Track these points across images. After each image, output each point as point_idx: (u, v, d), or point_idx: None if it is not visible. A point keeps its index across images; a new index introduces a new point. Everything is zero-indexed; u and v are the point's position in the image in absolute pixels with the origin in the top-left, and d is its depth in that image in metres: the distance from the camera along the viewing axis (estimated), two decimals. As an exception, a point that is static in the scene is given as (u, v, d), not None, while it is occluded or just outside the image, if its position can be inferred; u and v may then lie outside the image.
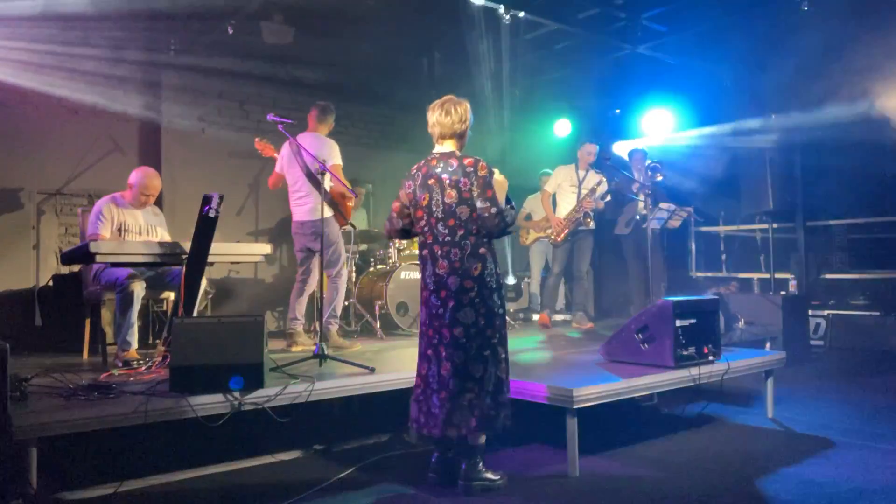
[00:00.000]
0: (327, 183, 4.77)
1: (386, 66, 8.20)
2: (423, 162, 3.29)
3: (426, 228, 3.23)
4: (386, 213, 3.47)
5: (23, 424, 2.76)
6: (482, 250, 3.14)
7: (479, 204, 3.10)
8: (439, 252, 3.17)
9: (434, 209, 3.19)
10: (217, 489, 3.29)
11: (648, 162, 6.61)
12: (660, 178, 6.34)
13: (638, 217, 6.66)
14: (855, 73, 6.01)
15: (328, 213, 4.98)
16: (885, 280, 7.04)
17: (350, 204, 5.21)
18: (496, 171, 3.24)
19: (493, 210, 3.09)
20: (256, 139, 5.19)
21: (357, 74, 8.02)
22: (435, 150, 3.29)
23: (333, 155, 4.96)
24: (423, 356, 3.23)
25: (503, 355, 3.16)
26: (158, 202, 6.39)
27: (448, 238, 3.15)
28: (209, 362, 3.22)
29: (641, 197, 6.28)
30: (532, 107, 8.89)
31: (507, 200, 3.22)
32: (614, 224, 7.23)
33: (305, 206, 4.99)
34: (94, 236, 4.48)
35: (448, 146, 3.26)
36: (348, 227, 5.39)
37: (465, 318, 3.10)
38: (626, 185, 6.59)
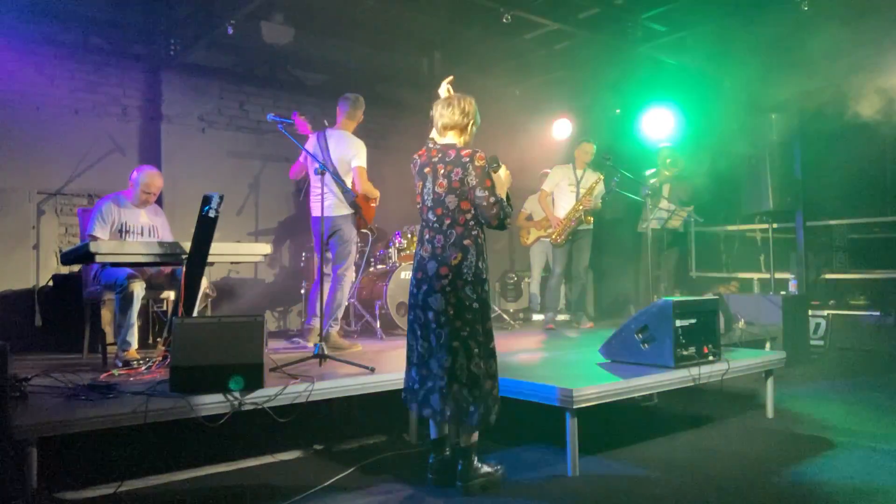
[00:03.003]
0: (349, 182, 4.77)
1: (386, 66, 8.20)
2: (423, 150, 3.34)
3: (420, 214, 3.29)
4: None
5: (23, 424, 2.76)
6: (466, 242, 3.14)
7: (478, 193, 3.12)
8: (427, 237, 3.22)
9: (426, 197, 3.24)
10: (217, 489, 3.28)
11: (668, 159, 6.63)
12: (677, 170, 6.37)
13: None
14: (856, 72, 6.01)
15: (346, 210, 4.97)
16: (885, 280, 7.03)
17: (373, 205, 5.17)
18: (503, 167, 3.28)
19: (492, 199, 3.12)
20: (296, 112, 5.14)
21: (357, 74, 8.02)
22: (438, 142, 3.31)
23: (359, 156, 4.96)
24: (407, 331, 3.31)
25: (476, 350, 3.10)
26: (159, 201, 6.42)
27: (436, 225, 3.19)
28: (209, 362, 3.22)
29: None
30: (532, 107, 8.88)
31: (507, 198, 3.25)
32: (615, 224, 7.23)
33: (325, 202, 4.96)
34: (90, 235, 4.48)
35: (450, 137, 3.28)
36: (367, 232, 5.36)
37: (435, 304, 3.13)
38: (627, 184, 6.59)
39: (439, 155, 3.22)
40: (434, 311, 3.13)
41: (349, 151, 4.92)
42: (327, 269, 5.06)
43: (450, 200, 3.15)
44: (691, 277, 7.99)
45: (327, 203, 4.92)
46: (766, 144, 6.75)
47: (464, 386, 3.08)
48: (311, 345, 4.90)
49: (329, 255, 4.99)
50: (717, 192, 7.40)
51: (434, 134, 3.36)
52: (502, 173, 3.28)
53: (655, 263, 6.76)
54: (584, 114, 8.72)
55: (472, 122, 3.28)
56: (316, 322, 5.00)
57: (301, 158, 5.18)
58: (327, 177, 4.86)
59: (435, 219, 3.19)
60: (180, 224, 6.03)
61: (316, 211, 5.05)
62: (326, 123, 5.17)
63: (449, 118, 3.25)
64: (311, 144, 5.03)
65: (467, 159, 3.14)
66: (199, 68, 7.11)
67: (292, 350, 4.99)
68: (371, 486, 3.26)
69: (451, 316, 3.10)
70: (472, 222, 3.16)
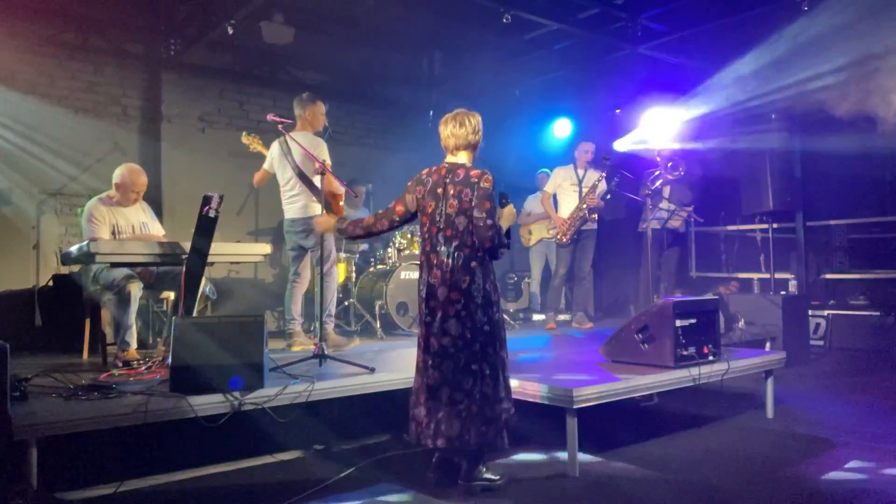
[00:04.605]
0: (318, 181, 4.78)
1: (386, 66, 8.20)
2: (434, 168, 3.30)
3: (427, 236, 3.25)
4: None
5: (23, 424, 2.76)
6: (473, 264, 3.13)
7: (475, 213, 3.10)
8: (434, 261, 3.19)
9: (437, 218, 3.20)
10: (217, 489, 3.29)
11: (669, 163, 6.66)
12: (678, 174, 6.40)
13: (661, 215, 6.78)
14: (856, 72, 6.01)
15: (317, 210, 4.98)
16: (885, 280, 7.03)
17: (342, 203, 5.20)
18: (510, 205, 3.28)
19: (489, 222, 3.10)
20: (244, 134, 5.19)
21: (357, 74, 8.02)
22: (447, 160, 3.30)
23: (324, 153, 4.96)
24: (416, 365, 3.26)
25: (488, 371, 3.11)
26: (158, 201, 6.43)
27: (443, 248, 3.16)
28: (209, 362, 3.22)
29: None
30: (532, 107, 8.88)
31: (508, 234, 3.24)
32: (615, 224, 7.20)
33: (297, 203, 4.99)
34: (92, 238, 4.46)
35: (461, 157, 3.28)
36: None
37: (451, 330, 3.11)
38: (627, 184, 6.60)
39: (449, 175, 3.21)
40: (451, 336, 3.11)
41: (313, 151, 4.92)
42: (298, 270, 5.10)
43: (459, 221, 3.14)
44: (691, 277, 7.98)
45: (300, 204, 4.94)
46: (765, 144, 6.74)
47: (479, 408, 3.08)
48: (297, 348, 4.91)
49: (307, 256, 5.01)
50: (717, 192, 7.40)
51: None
52: (510, 208, 3.29)
53: (655, 263, 6.76)
54: (584, 114, 8.72)
55: (480, 138, 3.29)
56: (295, 325, 5.04)
57: (265, 166, 5.18)
58: (297, 179, 4.87)
59: (444, 241, 3.16)
60: (180, 224, 6.03)
61: (288, 213, 5.07)
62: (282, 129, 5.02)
63: (464, 138, 3.24)
64: (276, 150, 5.05)
65: (476, 180, 3.13)
66: (199, 68, 7.12)
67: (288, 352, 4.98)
68: (371, 486, 3.26)
69: (469, 339, 3.10)
70: (478, 244, 3.14)
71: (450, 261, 3.13)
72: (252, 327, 3.31)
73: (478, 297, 3.12)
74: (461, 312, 3.10)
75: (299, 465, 3.64)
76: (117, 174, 4.66)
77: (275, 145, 5.07)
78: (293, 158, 4.90)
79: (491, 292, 3.17)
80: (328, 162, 4.94)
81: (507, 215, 3.26)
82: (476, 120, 3.27)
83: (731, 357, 4.29)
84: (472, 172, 3.16)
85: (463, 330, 3.10)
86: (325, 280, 5.01)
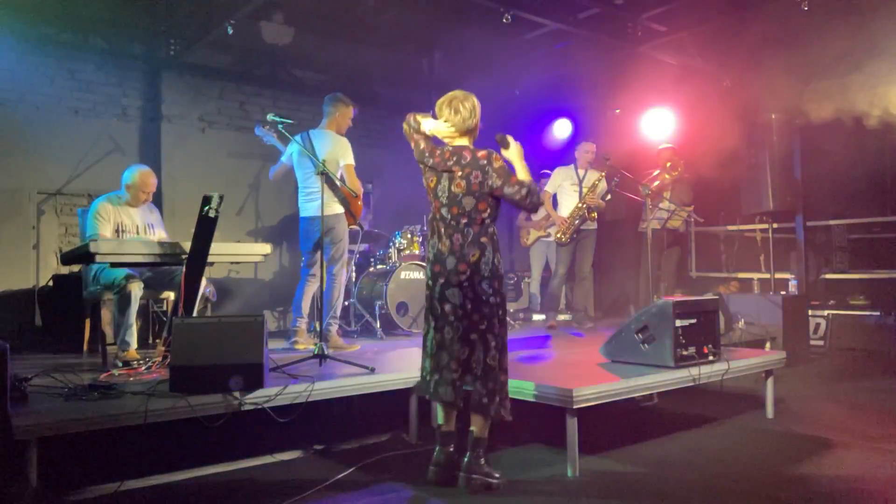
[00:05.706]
0: (338, 180, 4.79)
1: (386, 66, 8.20)
2: (437, 150, 3.30)
3: (434, 206, 3.29)
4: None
5: (23, 424, 2.77)
6: (483, 239, 3.17)
7: (507, 191, 3.13)
8: (443, 231, 3.23)
9: (440, 194, 3.24)
10: (217, 489, 3.28)
11: (669, 163, 6.67)
12: (675, 174, 6.40)
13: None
14: (856, 71, 6.01)
15: (339, 209, 4.98)
16: (885, 280, 7.03)
17: (360, 203, 5.20)
18: (509, 137, 3.29)
19: (524, 192, 3.14)
20: (257, 126, 5.19)
21: (357, 74, 8.02)
22: (447, 145, 3.31)
23: (346, 154, 4.97)
24: (424, 321, 3.33)
25: (493, 343, 3.14)
26: (158, 201, 6.43)
27: (452, 223, 3.20)
28: (209, 362, 3.23)
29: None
30: (532, 107, 8.88)
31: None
32: (615, 224, 7.19)
33: (316, 202, 4.96)
34: (94, 236, 4.47)
35: (462, 142, 3.29)
36: (356, 227, 5.39)
37: (452, 298, 3.15)
38: (627, 184, 6.60)
39: (454, 157, 3.22)
40: (452, 304, 3.15)
41: (335, 150, 4.92)
42: (315, 270, 5.07)
43: (467, 202, 3.17)
44: (691, 277, 7.99)
45: (319, 203, 4.92)
46: (766, 144, 6.74)
47: (478, 379, 3.11)
48: (300, 346, 4.91)
49: (320, 254, 5.01)
50: (717, 192, 7.39)
51: (428, 125, 3.33)
52: (513, 146, 3.28)
53: (655, 263, 6.75)
54: (584, 114, 8.72)
55: (478, 121, 3.29)
56: (302, 323, 5.04)
57: (284, 160, 5.18)
58: (317, 177, 4.86)
59: (451, 217, 3.20)
60: (180, 224, 6.04)
61: (307, 211, 5.06)
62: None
63: (461, 125, 3.24)
64: (296, 146, 5.03)
65: (485, 161, 3.15)
66: (199, 68, 7.12)
67: (289, 351, 4.99)
68: (371, 486, 3.26)
69: (469, 310, 3.13)
70: (487, 220, 3.18)
71: (459, 235, 3.17)
72: (252, 327, 3.31)
73: (485, 270, 3.15)
74: (464, 283, 3.14)
75: (299, 465, 3.64)
76: (128, 175, 4.73)
77: (295, 140, 5.05)
78: (315, 157, 4.90)
79: (499, 266, 3.22)
80: (350, 163, 4.96)
81: (517, 153, 3.27)
82: (470, 103, 3.26)
83: (731, 357, 4.29)
84: (479, 154, 3.18)
85: (464, 300, 3.13)
86: (333, 281, 5.01)
